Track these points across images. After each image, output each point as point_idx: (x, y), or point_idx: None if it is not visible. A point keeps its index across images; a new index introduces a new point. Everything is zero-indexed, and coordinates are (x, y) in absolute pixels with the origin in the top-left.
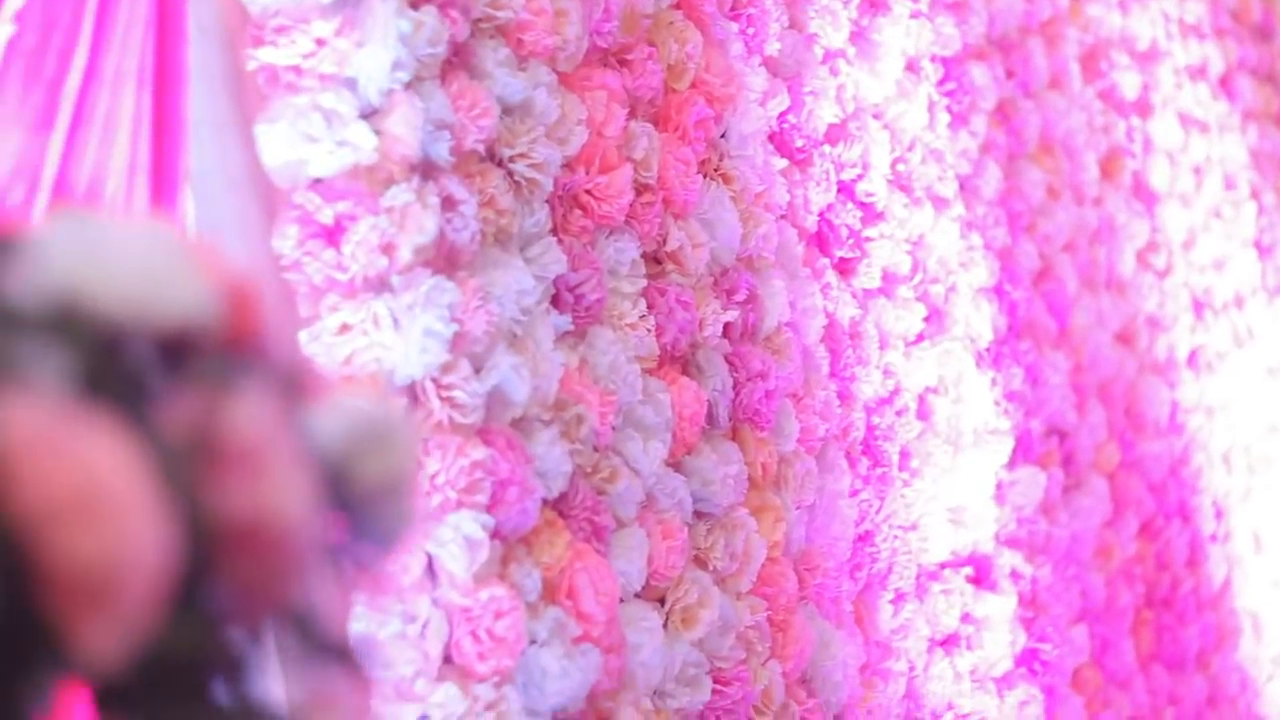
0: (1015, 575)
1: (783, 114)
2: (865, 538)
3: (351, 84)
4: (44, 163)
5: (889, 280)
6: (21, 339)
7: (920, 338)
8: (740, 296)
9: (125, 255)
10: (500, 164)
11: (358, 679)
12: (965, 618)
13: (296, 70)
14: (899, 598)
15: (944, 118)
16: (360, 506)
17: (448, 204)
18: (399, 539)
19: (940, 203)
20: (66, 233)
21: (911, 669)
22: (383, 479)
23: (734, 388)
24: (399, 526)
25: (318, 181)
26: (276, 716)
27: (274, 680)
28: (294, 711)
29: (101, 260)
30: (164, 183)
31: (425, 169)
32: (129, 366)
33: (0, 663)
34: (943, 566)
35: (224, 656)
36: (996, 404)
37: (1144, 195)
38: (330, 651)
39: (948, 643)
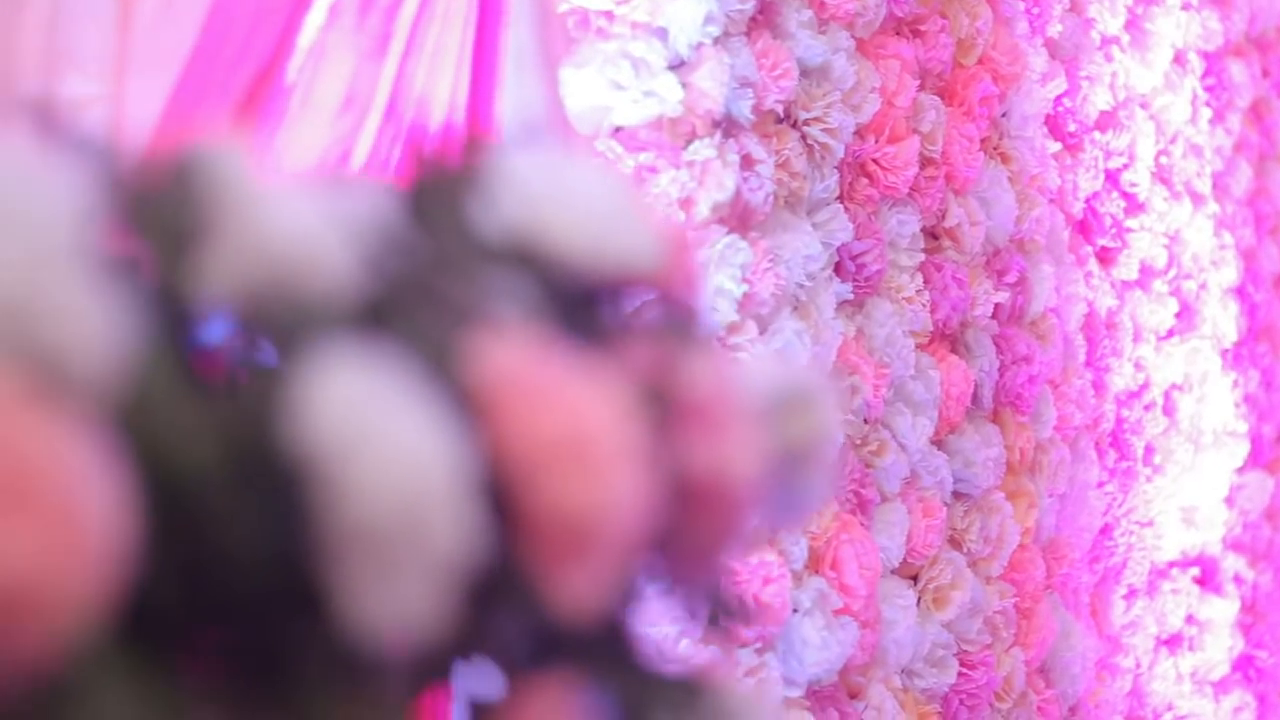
0: (1238, 579)
1: (1059, 97)
2: (1105, 531)
3: (662, 34)
4: (375, 90)
5: (1145, 273)
6: (491, 273)
7: (1170, 333)
8: (1011, 278)
9: (583, 196)
10: (795, 126)
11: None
12: (1189, 619)
13: (609, 16)
14: (1131, 594)
15: (1205, 113)
16: (772, 470)
17: (746, 163)
18: (805, 506)
19: (1197, 198)
20: (528, 167)
21: (1138, 666)
22: (799, 444)
23: (999, 370)
24: (807, 494)
25: (619, 130)
26: (702, 680)
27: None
28: (710, 674)
29: (561, 198)
30: (479, 120)
31: (727, 126)
32: (584, 309)
33: (478, 606)
34: (1171, 565)
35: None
36: (1236, 406)
37: None
38: (737, 615)
39: (1172, 642)
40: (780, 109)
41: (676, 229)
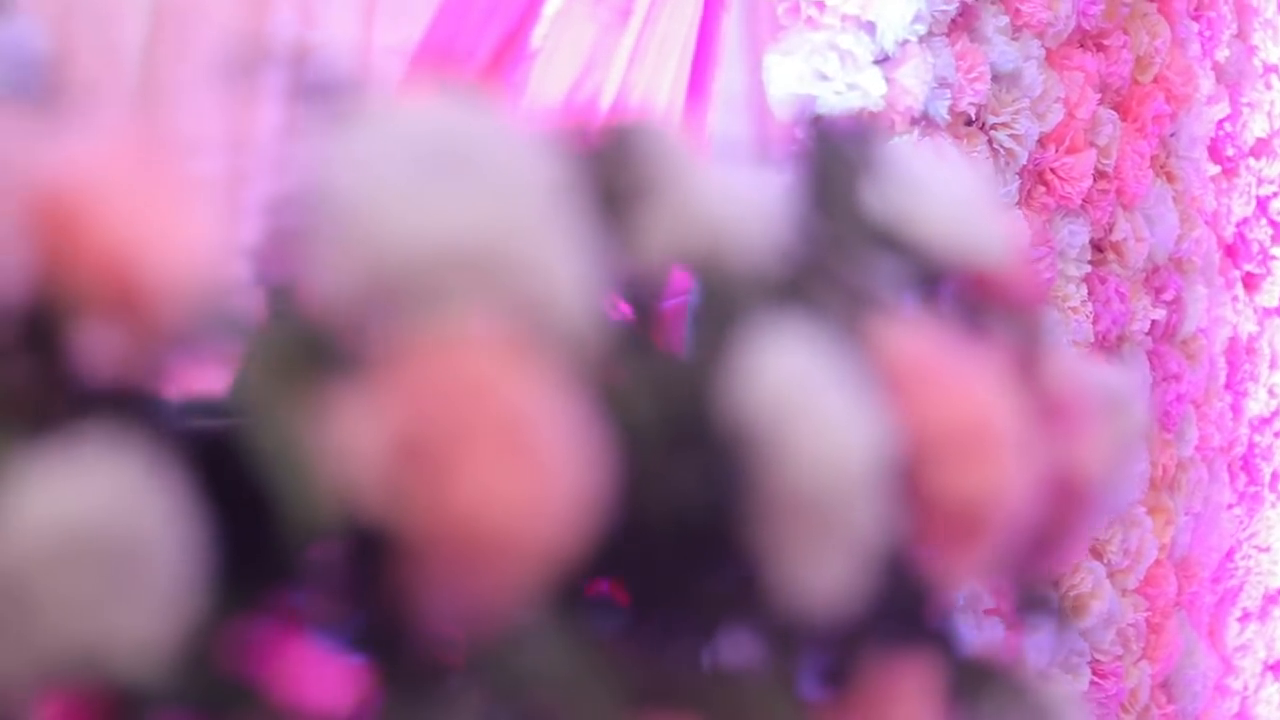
0: None
1: (1221, 121)
2: (1228, 553)
3: (870, 28)
4: (612, 62)
5: None
6: (877, 258)
7: None
8: (1168, 296)
9: (950, 187)
10: (983, 130)
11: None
12: None
13: (819, 6)
14: (1245, 616)
15: None
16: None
17: None
18: (1116, 507)
19: None
20: (901, 156)
21: (1245, 689)
22: (1117, 445)
23: (1150, 386)
24: (1120, 494)
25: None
26: (1022, 675)
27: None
28: (1024, 669)
29: (932, 188)
30: (697, 100)
31: (924, 124)
32: (948, 298)
33: (889, 587)
34: None
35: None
36: None
37: None
38: (1059, 614)
39: (1277, 668)
40: (972, 111)
41: (1021, 227)
